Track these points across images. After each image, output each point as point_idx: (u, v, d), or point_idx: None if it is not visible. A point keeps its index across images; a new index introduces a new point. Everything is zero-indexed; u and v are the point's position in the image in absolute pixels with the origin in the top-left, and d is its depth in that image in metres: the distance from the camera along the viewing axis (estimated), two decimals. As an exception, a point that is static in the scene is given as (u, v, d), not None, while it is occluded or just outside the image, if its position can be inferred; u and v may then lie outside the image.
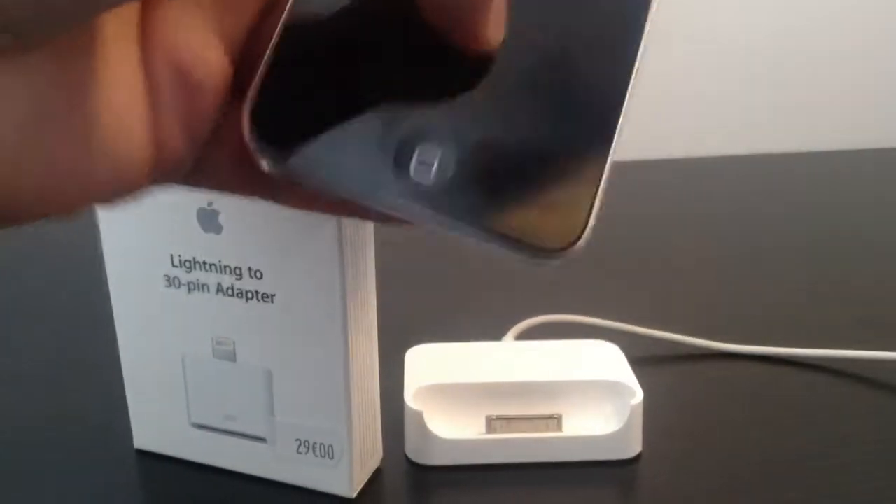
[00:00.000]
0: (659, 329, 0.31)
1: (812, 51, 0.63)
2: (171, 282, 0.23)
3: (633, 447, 0.25)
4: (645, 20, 0.13)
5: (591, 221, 0.12)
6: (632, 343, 0.30)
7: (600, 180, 0.12)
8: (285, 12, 0.12)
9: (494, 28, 0.12)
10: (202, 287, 0.23)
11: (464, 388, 0.26)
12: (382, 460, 0.25)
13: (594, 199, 0.12)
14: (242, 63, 0.12)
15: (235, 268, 0.22)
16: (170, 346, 0.24)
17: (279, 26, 0.12)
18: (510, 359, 0.28)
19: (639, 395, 0.25)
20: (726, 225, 0.45)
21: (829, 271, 0.39)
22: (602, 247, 0.44)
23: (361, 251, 0.22)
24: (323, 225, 0.21)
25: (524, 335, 0.31)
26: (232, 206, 0.22)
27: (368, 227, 0.22)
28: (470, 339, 0.29)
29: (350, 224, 0.21)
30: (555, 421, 0.25)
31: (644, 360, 0.30)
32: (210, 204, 0.22)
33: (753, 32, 0.62)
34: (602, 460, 0.25)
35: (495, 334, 0.31)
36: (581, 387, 0.26)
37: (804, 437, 0.26)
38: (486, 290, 0.37)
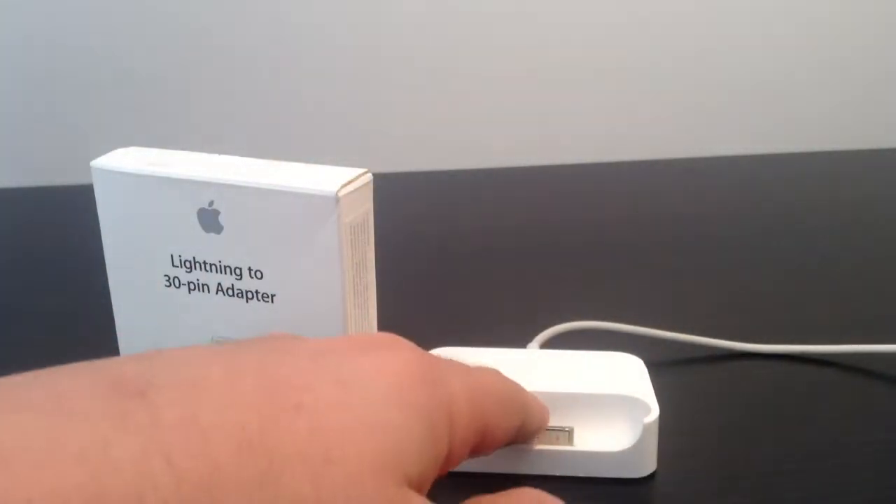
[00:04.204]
0: (690, 334, 0.31)
1: (811, 50, 0.63)
2: (171, 282, 0.24)
3: (647, 466, 0.25)
4: None
5: None
6: (662, 349, 0.30)
7: None
8: None
9: None
10: (202, 287, 0.23)
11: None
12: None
13: None
14: None
15: (235, 268, 0.23)
16: (170, 346, 0.24)
17: None
18: (527, 367, 0.28)
19: (654, 413, 0.25)
20: (742, 225, 0.45)
21: (843, 268, 0.39)
22: (636, 252, 0.45)
23: (361, 250, 0.22)
24: (323, 225, 0.21)
25: (551, 342, 0.31)
26: (232, 206, 0.22)
27: (369, 228, 0.23)
28: (495, 344, 0.29)
29: (350, 224, 0.22)
30: (566, 434, 0.25)
31: (674, 367, 0.30)
32: (210, 204, 0.22)
33: (754, 32, 0.62)
34: (613, 478, 0.25)
35: (522, 340, 0.31)
36: (594, 400, 0.26)
37: (840, 456, 0.26)
38: (514, 293, 0.38)
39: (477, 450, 0.19)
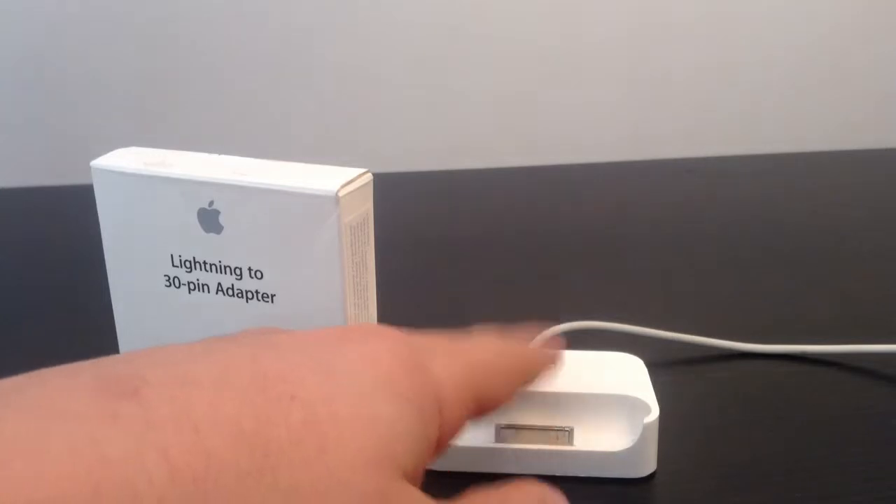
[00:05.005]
0: (691, 334, 0.31)
1: (812, 52, 0.63)
2: (171, 282, 0.24)
3: (647, 466, 0.25)
4: None
5: None
6: (662, 349, 0.30)
7: None
8: None
9: None
10: (202, 287, 0.23)
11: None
12: (385, 469, 0.25)
13: None
14: None
15: (235, 268, 0.23)
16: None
17: None
18: None
19: (654, 413, 0.25)
20: (743, 225, 0.46)
21: (843, 268, 0.39)
22: (637, 252, 0.45)
23: (361, 250, 0.22)
24: (323, 225, 0.21)
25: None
26: (232, 206, 0.22)
27: (369, 228, 0.23)
28: None
29: (350, 224, 0.22)
30: (566, 434, 0.25)
31: (674, 367, 0.31)
32: (210, 204, 0.23)
33: (754, 34, 0.62)
34: (613, 478, 0.25)
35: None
36: (594, 400, 0.26)
37: (839, 456, 0.26)
38: (515, 293, 0.38)
39: (476, 416, 0.19)
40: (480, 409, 0.19)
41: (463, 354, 0.19)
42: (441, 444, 0.17)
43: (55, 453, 0.11)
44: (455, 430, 0.18)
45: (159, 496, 0.11)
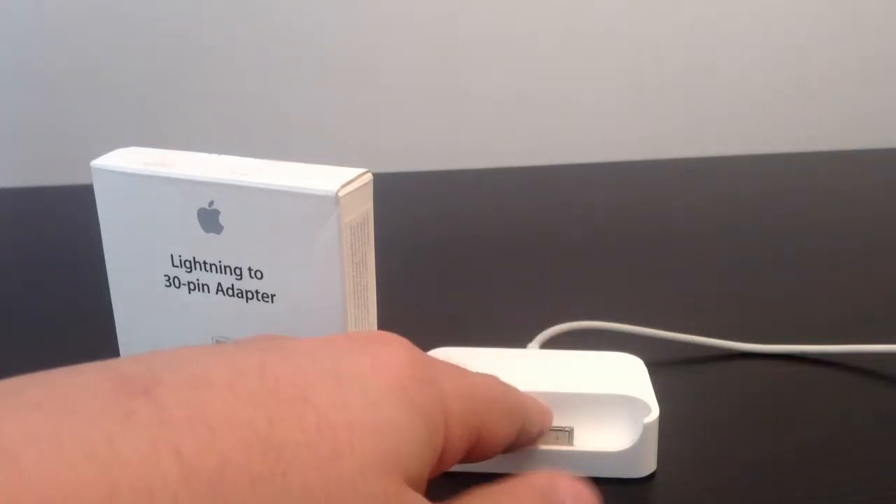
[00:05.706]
0: (691, 334, 0.31)
1: (811, 51, 0.63)
2: (171, 282, 0.24)
3: (647, 466, 0.25)
4: None
5: None
6: (662, 349, 0.30)
7: None
8: None
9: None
10: (202, 287, 0.23)
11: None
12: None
13: None
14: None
15: (235, 268, 0.23)
16: (170, 346, 0.24)
17: None
18: (526, 367, 0.28)
19: (654, 413, 0.25)
20: (743, 225, 0.46)
21: (843, 268, 0.39)
22: (636, 252, 0.45)
23: (361, 251, 0.22)
24: (323, 225, 0.21)
25: (551, 342, 0.31)
26: (232, 206, 0.22)
27: (368, 228, 0.23)
28: (495, 344, 0.29)
29: (350, 224, 0.22)
30: (566, 434, 0.25)
31: (674, 367, 0.31)
32: (210, 204, 0.23)
33: (753, 32, 0.63)
34: (614, 478, 0.25)
35: (522, 340, 0.31)
36: (594, 400, 0.26)
37: (840, 456, 0.26)
38: (514, 293, 0.38)
39: (473, 453, 0.19)
40: (479, 443, 0.19)
41: (470, 379, 0.19)
42: (443, 460, 0.18)
43: (69, 452, 0.11)
44: (457, 450, 0.18)
45: (174, 497, 0.12)
